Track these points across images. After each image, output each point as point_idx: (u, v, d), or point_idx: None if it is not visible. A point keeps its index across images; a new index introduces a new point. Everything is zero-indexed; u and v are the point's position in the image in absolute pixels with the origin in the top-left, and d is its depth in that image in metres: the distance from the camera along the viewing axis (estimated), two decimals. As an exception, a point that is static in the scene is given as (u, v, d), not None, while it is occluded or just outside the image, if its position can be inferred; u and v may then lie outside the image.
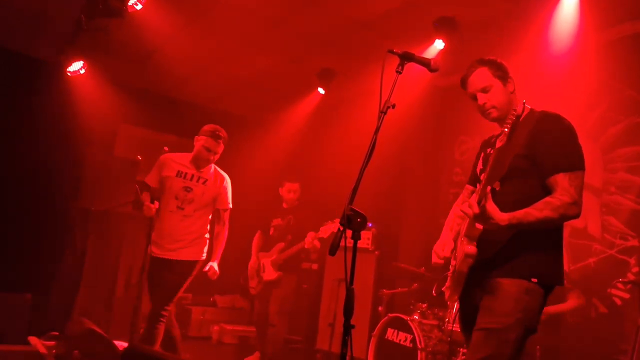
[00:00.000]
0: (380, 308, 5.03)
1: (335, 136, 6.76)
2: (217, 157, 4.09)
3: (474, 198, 2.05)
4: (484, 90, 2.36)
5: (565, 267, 4.49)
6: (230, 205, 4.21)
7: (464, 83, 2.44)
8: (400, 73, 2.24)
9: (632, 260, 4.14)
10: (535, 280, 2.12)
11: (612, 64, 4.52)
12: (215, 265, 4.09)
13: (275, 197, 5.56)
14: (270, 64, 6.20)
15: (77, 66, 5.78)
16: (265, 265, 5.24)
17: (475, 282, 2.22)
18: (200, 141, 4.03)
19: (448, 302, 2.49)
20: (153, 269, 3.98)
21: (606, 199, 4.40)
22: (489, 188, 2.02)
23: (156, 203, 4.01)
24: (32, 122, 6.32)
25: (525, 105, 2.36)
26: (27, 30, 5.92)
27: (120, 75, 6.74)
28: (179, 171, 4.04)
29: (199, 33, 5.59)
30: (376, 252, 5.69)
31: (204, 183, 4.07)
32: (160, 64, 6.41)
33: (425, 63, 2.29)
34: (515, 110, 2.16)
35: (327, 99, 6.55)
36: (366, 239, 5.70)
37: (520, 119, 2.27)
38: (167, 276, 3.92)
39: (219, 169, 4.21)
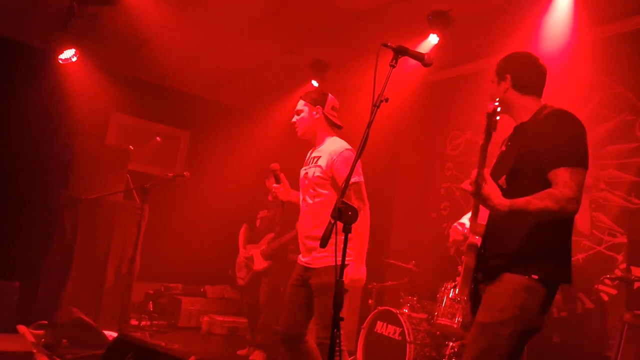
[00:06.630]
0: (370, 301, 5.04)
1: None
2: (306, 117, 3.35)
3: (474, 174, 1.95)
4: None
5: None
6: (359, 178, 3.01)
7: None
8: (394, 67, 2.21)
9: (620, 257, 4.18)
10: (535, 277, 2.06)
11: (605, 61, 4.54)
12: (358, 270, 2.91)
13: (262, 189, 5.51)
14: (263, 54, 6.17)
15: (68, 54, 5.70)
16: (254, 256, 5.23)
17: (482, 281, 2.20)
18: None
19: (459, 298, 2.37)
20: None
21: (595, 195, 4.43)
22: (488, 170, 1.95)
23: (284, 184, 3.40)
24: (22, 110, 6.27)
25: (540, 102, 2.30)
26: (18, 16, 5.85)
27: (112, 64, 6.69)
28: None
29: (192, 22, 5.55)
30: (367, 245, 5.69)
31: (316, 163, 3.17)
32: (152, 52, 6.38)
33: (419, 57, 2.27)
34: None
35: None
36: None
37: (530, 118, 2.24)
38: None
39: (338, 139, 3.22)
